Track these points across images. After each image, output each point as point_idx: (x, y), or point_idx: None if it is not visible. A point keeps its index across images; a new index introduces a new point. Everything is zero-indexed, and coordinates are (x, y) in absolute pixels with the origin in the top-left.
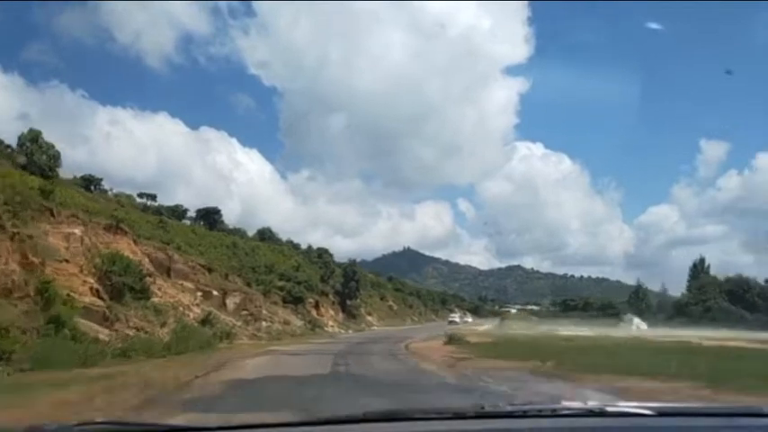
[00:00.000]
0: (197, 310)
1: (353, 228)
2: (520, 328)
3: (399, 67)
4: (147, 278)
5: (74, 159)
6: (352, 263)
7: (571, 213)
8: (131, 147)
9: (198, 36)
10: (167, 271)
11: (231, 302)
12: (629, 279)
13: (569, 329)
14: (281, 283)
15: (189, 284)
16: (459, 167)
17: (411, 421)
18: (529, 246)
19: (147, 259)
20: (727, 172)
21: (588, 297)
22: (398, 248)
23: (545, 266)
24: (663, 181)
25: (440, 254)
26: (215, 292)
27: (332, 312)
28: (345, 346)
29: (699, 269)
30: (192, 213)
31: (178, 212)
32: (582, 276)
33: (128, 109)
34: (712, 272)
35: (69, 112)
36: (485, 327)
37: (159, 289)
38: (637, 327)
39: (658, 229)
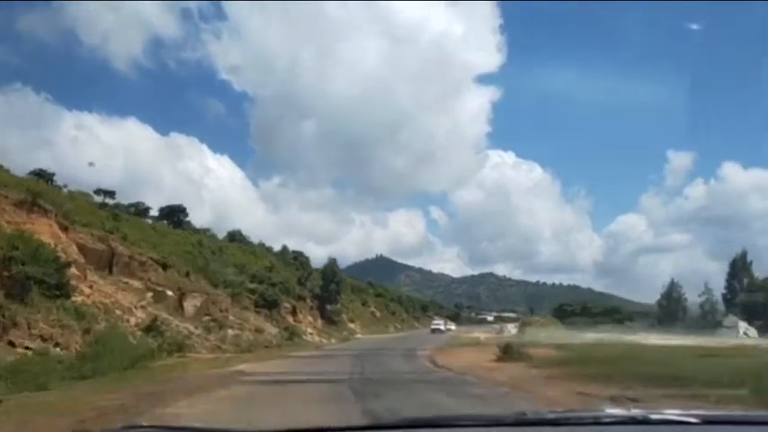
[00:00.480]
0: (141, 314)
1: (326, 235)
2: (561, 337)
3: (372, 74)
4: (71, 271)
5: (37, 164)
6: (332, 262)
7: (542, 222)
8: (98, 152)
9: (168, 40)
10: (108, 265)
11: (190, 305)
12: (600, 286)
13: (642, 338)
14: (252, 286)
15: (136, 283)
16: (431, 175)
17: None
18: (501, 253)
19: (74, 247)
20: (694, 181)
21: (586, 302)
22: (371, 256)
23: (517, 274)
24: (631, 190)
25: (413, 261)
26: (170, 293)
27: (310, 319)
28: (348, 361)
29: (739, 265)
30: (155, 212)
31: (139, 210)
32: (554, 284)
33: (95, 114)
34: (677, 279)
35: (33, 115)
36: (488, 335)
37: (90, 286)
38: (745, 333)
39: (627, 237)
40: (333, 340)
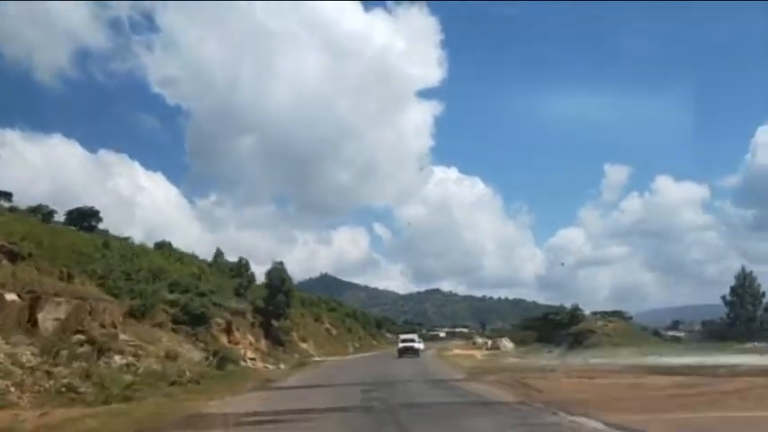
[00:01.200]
0: None
1: (267, 255)
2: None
3: (314, 88)
4: None
5: None
6: (279, 266)
7: (486, 237)
8: (21, 172)
9: (96, 50)
10: None
11: (49, 318)
12: (543, 299)
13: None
14: (172, 296)
15: None
16: (375, 191)
17: None
18: (446, 269)
19: None
20: (629, 195)
21: (548, 312)
22: (315, 275)
23: (462, 289)
24: (571, 204)
25: (358, 279)
26: (11, 297)
27: (251, 338)
28: None
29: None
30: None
31: (43, 215)
32: (500, 298)
33: (16, 130)
34: (613, 291)
35: None
36: (472, 351)
37: None
38: None
39: (567, 250)
40: (283, 366)
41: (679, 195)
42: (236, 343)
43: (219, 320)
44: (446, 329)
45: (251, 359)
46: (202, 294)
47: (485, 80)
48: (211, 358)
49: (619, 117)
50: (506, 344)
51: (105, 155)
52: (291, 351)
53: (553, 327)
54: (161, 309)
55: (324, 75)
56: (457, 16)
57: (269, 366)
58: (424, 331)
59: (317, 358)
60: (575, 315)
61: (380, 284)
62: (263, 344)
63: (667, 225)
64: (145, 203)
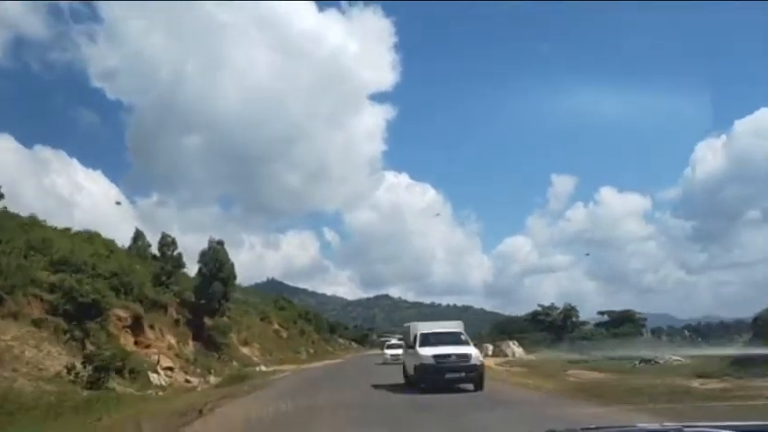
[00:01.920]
0: None
1: None
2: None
3: (264, 87)
4: None
5: None
6: (218, 245)
7: (435, 244)
8: None
9: (33, 39)
10: None
11: None
12: (489, 306)
13: None
14: (55, 278)
15: None
16: (325, 195)
17: None
18: (395, 275)
19: None
20: (575, 204)
21: (537, 312)
22: (262, 280)
23: (410, 296)
24: (518, 213)
25: (306, 285)
26: None
27: (172, 340)
28: None
29: None
30: None
31: None
32: (448, 305)
33: None
34: (558, 298)
35: None
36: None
37: None
38: None
39: (514, 258)
40: (213, 379)
41: (622, 206)
42: (147, 346)
43: (122, 314)
44: (398, 336)
45: (166, 369)
46: (97, 275)
47: (438, 85)
48: (83, 369)
49: (566, 127)
50: (515, 348)
51: (42, 150)
52: (229, 357)
53: (544, 329)
54: (31, 293)
55: (274, 74)
56: (411, 19)
57: (192, 380)
58: (374, 337)
59: (262, 368)
60: (569, 315)
61: (329, 290)
62: (191, 347)
63: (610, 235)
64: (85, 203)
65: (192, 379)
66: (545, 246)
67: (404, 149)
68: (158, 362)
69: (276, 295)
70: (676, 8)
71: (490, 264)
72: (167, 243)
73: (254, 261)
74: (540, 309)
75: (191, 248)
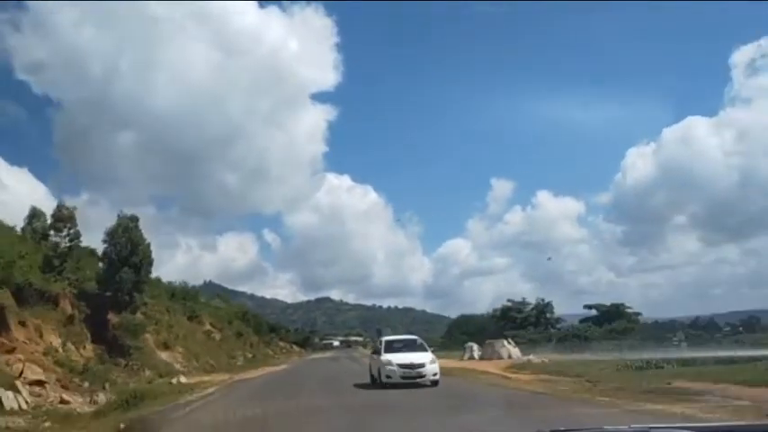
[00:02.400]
0: None
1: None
2: None
3: (201, 84)
4: None
5: None
6: (130, 221)
7: (376, 246)
8: None
9: None
10: None
11: None
12: (430, 308)
13: None
14: None
15: None
16: (265, 196)
17: None
18: (336, 278)
19: None
20: (513, 208)
21: (508, 308)
22: (198, 282)
23: (351, 298)
24: (458, 216)
25: (244, 287)
26: None
27: (56, 342)
28: None
29: None
30: None
31: None
32: (389, 307)
33: None
34: (495, 300)
35: None
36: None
37: None
38: None
39: (454, 261)
40: (102, 398)
41: (558, 210)
42: (10, 350)
43: None
44: (340, 338)
45: (33, 385)
46: None
47: (379, 86)
48: None
49: (506, 131)
50: (511, 349)
51: None
52: (141, 365)
53: (516, 326)
54: None
55: (212, 70)
56: (353, 19)
57: (71, 400)
58: (317, 340)
59: (182, 379)
60: (543, 311)
61: (268, 293)
62: (90, 352)
63: (546, 237)
64: (10, 202)
65: (71, 398)
66: (484, 248)
67: (345, 151)
68: (21, 373)
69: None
70: (612, 18)
71: (431, 266)
72: (63, 218)
73: (190, 263)
74: (510, 304)
75: None
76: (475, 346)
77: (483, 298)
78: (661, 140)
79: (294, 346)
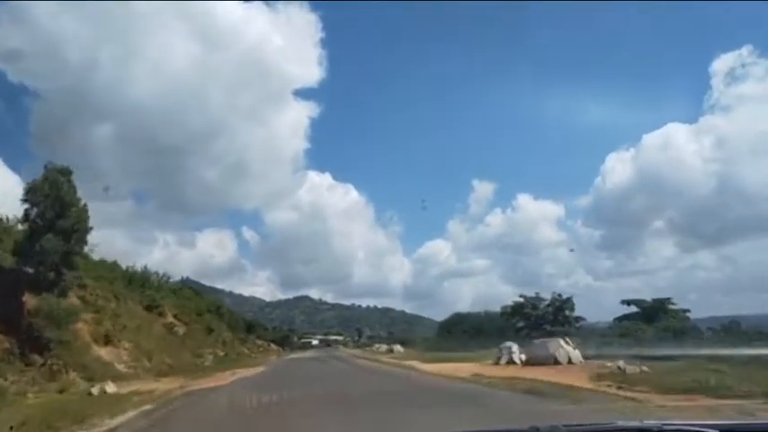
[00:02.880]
0: None
1: (123, 255)
2: None
3: (182, 78)
4: None
5: None
6: (61, 174)
7: (356, 245)
8: None
9: None
10: None
11: None
12: (408, 308)
13: None
14: None
15: None
16: (245, 193)
17: None
18: (315, 277)
19: None
20: (494, 210)
21: (519, 304)
22: (176, 279)
23: (330, 297)
24: (439, 217)
25: (222, 285)
26: None
27: None
28: None
29: None
30: None
31: None
32: (368, 306)
33: None
34: (474, 302)
35: None
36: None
37: None
38: None
39: (434, 262)
40: None
41: (538, 213)
42: None
43: None
44: (319, 337)
45: None
46: None
47: (363, 84)
48: None
49: (488, 133)
50: (569, 350)
51: None
52: (64, 364)
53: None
54: None
55: (194, 64)
56: (338, 15)
57: None
58: (295, 338)
59: (110, 388)
60: (561, 308)
61: (247, 291)
62: None
63: (526, 240)
64: None
65: None
66: (464, 250)
67: (327, 148)
68: None
69: (183, 283)
70: (594, 25)
71: (410, 266)
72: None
73: (167, 259)
74: (523, 300)
75: (101, 244)
76: (515, 347)
77: (463, 299)
78: (641, 146)
79: (272, 345)
